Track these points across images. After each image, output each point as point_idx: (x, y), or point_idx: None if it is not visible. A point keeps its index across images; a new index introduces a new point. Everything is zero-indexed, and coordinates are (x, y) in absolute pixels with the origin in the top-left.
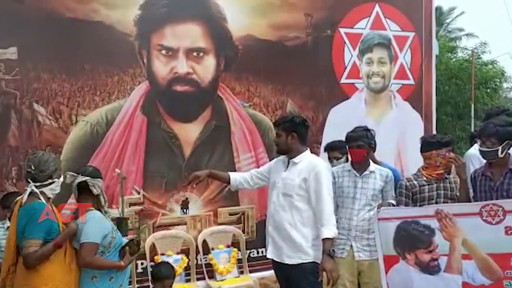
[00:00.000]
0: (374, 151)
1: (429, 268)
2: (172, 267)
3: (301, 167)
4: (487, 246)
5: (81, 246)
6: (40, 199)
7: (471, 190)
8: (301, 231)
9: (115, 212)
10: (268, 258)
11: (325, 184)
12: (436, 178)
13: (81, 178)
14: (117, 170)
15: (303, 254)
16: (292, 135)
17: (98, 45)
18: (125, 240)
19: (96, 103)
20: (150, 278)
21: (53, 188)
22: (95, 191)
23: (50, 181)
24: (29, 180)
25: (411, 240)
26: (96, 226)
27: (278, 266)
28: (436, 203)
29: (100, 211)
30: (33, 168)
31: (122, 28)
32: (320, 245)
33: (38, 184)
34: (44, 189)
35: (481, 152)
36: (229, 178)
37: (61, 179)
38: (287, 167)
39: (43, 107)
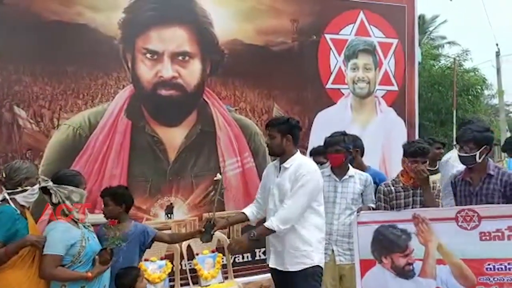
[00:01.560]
0: (362, 156)
1: (404, 273)
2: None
3: (290, 171)
4: (462, 251)
5: (43, 258)
6: (9, 204)
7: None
8: (302, 237)
9: (96, 218)
10: (253, 263)
11: (304, 186)
12: (412, 185)
13: (44, 183)
14: (219, 175)
15: (307, 258)
16: (287, 137)
17: (82, 48)
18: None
19: (79, 107)
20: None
21: (26, 196)
22: (54, 199)
23: (20, 188)
24: (3, 187)
25: (388, 244)
26: (57, 236)
27: (279, 274)
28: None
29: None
30: (3, 175)
31: (107, 31)
32: (322, 248)
33: (9, 191)
34: (16, 196)
35: (459, 157)
36: (246, 216)
37: (36, 187)
38: (279, 172)
39: (24, 110)
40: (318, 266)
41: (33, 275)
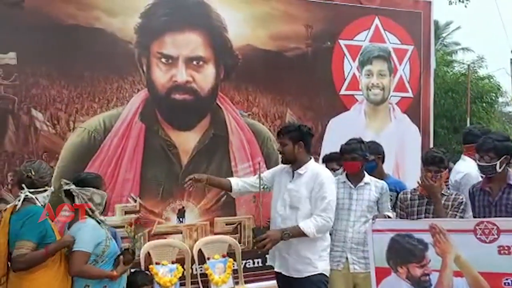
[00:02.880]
0: (383, 162)
1: (420, 283)
2: (148, 275)
3: (306, 178)
4: (479, 264)
5: (72, 255)
6: (36, 204)
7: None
8: (308, 244)
9: (111, 219)
10: (264, 269)
11: (329, 189)
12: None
13: (67, 186)
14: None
15: (311, 266)
16: (299, 144)
17: (98, 52)
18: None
19: (95, 110)
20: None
21: (45, 197)
22: (77, 200)
23: (46, 188)
24: (23, 186)
25: (404, 254)
26: (88, 234)
27: (285, 280)
28: (425, 218)
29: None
30: (33, 173)
31: (123, 36)
32: (327, 256)
33: (32, 190)
34: (38, 196)
35: (479, 166)
36: (230, 184)
37: (52, 188)
38: (293, 178)
39: (41, 113)
40: (322, 274)
41: (62, 275)
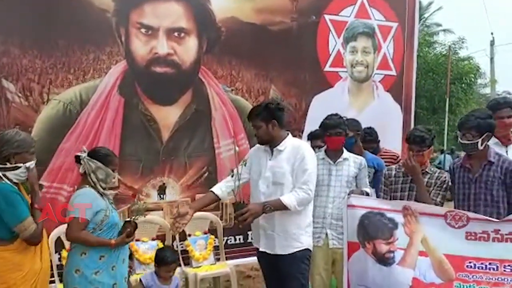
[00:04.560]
0: (362, 140)
1: (384, 259)
2: (176, 252)
3: (286, 154)
4: (445, 247)
5: (69, 221)
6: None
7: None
8: (294, 219)
9: None
10: (245, 246)
11: (310, 161)
12: None
13: (80, 153)
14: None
15: (297, 242)
16: (273, 123)
17: (74, 21)
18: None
19: (70, 82)
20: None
21: (18, 174)
22: (81, 169)
23: (9, 165)
24: None
25: (373, 230)
26: (86, 201)
27: (268, 258)
28: (408, 195)
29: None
30: None
31: (99, 4)
32: (311, 231)
33: (0, 166)
34: (8, 173)
35: (461, 144)
36: (215, 194)
37: (29, 164)
38: (272, 155)
39: (12, 83)
40: (307, 249)
41: (36, 254)
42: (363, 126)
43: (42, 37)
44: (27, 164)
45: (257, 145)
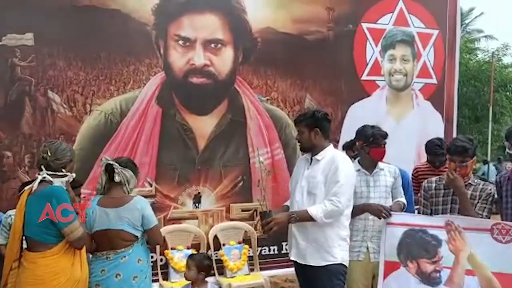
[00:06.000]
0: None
1: (430, 279)
2: (210, 259)
3: (323, 164)
4: (493, 264)
5: (154, 229)
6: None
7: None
8: (326, 231)
9: None
10: (279, 256)
11: (343, 173)
12: None
13: (109, 161)
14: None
15: (329, 255)
16: (316, 131)
17: (115, 34)
18: None
19: (111, 93)
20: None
21: (62, 181)
22: (117, 178)
23: (63, 172)
24: (41, 167)
25: (416, 248)
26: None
27: (302, 269)
28: (451, 209)
29: None
30: (49, 154)
31: (139, 17)
32: (346, 246)
33: (51, 172)
34: (55, 180)
35: (509, 155)
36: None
37: (73, 175)
38: (310, 164)
39: (57, 95)
40: (342, 264)
41: (77, 261)
42: (402, 134)
43: (86, 50)
44: (74, 174)
45: (302, 156)
